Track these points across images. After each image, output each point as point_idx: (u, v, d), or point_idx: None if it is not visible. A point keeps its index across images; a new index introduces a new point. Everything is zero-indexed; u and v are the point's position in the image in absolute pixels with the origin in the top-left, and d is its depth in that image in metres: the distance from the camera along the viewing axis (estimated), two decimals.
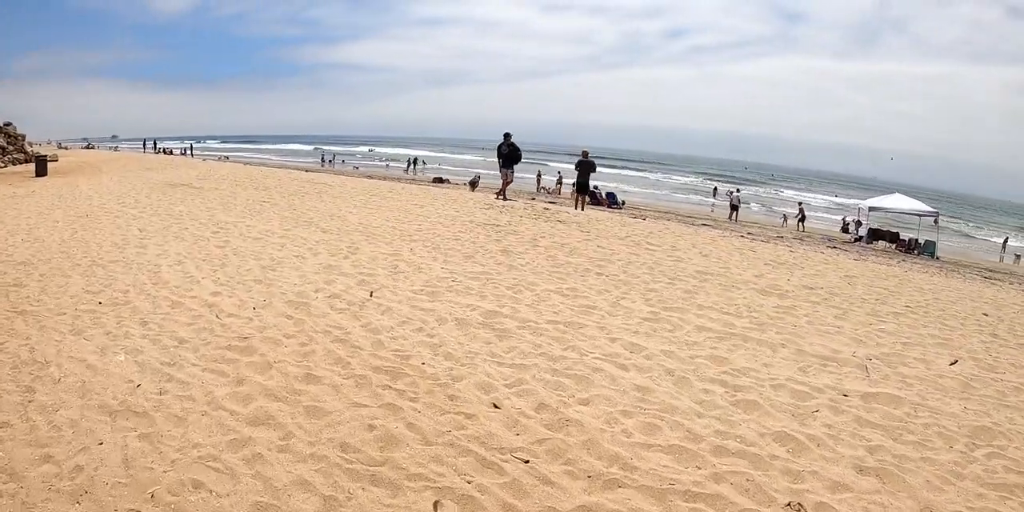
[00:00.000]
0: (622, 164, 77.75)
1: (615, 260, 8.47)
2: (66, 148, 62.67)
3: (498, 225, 10.70)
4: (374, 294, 5.86)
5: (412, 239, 8.81)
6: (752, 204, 41.11)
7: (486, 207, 13.29)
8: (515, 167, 16.11)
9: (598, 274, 7.58)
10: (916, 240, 23.77)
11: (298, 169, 32.53)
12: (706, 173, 77.57)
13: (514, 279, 6.84)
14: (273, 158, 61.61)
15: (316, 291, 5.88)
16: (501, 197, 16.04)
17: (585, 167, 16.65)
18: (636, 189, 43.11)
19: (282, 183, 17.37)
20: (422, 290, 6.12)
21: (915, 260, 19.21)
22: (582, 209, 16.32)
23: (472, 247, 8.51)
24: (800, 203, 32.00)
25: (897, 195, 25.06)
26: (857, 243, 23.43)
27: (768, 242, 16.30)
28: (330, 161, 57.78)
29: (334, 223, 9.87)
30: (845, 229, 30.81)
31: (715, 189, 48.43)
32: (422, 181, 31.01)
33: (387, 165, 56.70)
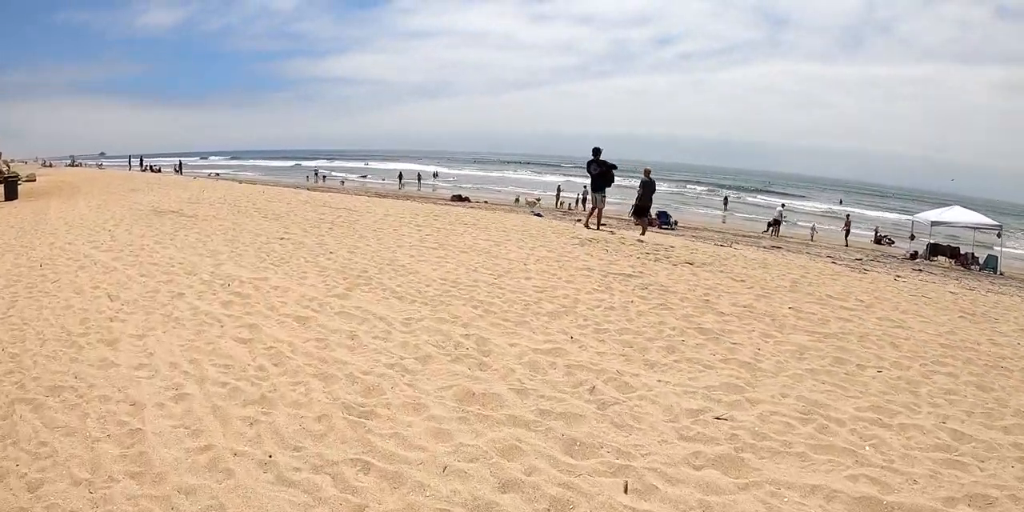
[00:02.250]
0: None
1: (841, 335, 5.51)
2: (51, 166, 58.54)
3: (629, 274, 7.43)
4: (629, 487, 2.56)
5: (546, 311, 5.47)
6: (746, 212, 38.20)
7: (576, 242, 10.00)
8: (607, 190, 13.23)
9: (859, 367, 4.64)
10: (973, 254, 21.31)
11: (296, 187, 28.92)
12: (698, 181, 74.54)
13: (784, 395, 3.92)
14: (262, 176, 57.67)
15: (503, 488, 2.54)
16: (594, 226, 13.18)
17: (648, 188, 13.56)
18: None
19: (294, 209, 13.91)
20: (698, 453, 2.94)
21: (1002, 282, 16.28)
22: (643, 234, 13.20)
23: (646, 323, 5.27)
24: (848, 215, 29.22)
25: (957, 208, 22.42)
26: (915, 259, 20.70)
27: (866, 270, 13.26)
28: (324, 177, 54.09)
29: (406, 280, 6.48)
30: (879, 240, 28.39)
31: (726, 199, 45.77)
32: (438, 199, 27.60)
33: (383, 179, 53.00)
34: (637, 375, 4.11)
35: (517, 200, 30.40)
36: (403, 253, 8.09)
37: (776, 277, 8.50)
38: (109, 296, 5.94)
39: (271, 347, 4.24)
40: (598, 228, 13.05)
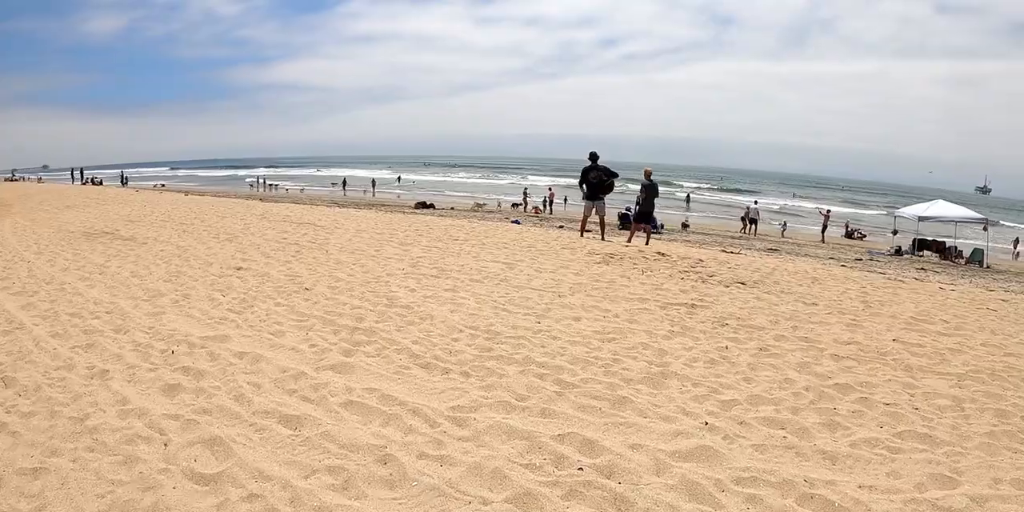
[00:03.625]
0: (562, 173, 73.83)
1: (972, 375, 4.39)
2: None
3: (691, 304, 5.92)
4: None
5: (637, 375, 3.85)
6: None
7: (597, 260, 8.44)
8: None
9: None
10: (956, 248, 21.03)
11: (249, 198, 26.42)
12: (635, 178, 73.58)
13: (997, 481, 2.82)
14: (201, 187, 54.14)
15: None
16: (590, 234, 11.98)
17: (651, 192, 12.22)
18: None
19: (250, 226, 11.90)
20: None
21: (1003, 277, 15.64)
22: (646, 243, 11.88)
23: (770, 383, 3.94)
24: (828, 211, 28.71)
25: (941, 202, 21.97)
26: (898, 255, 20.15)
27: (883, 273, 12.27)
28: (274, 186, 50.99)
29: (421, 331, 4.74)
30: (850, 234, 28.16)
31: (688, 197, 45.26)
32: (403, 206, 25.57)
33: (330, 185, 50.08)
34: (831, 483, 2.65)
35: (480, 205, 28.90)
36: (400, 285, 6.33)
37: (839, 295, 7.21)
38: (2, 379, 4.00)
39: (254, 495, 2.46)
40: (602, 238, 11.64)
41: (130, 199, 21.14)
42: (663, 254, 9.56)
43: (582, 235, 11.96)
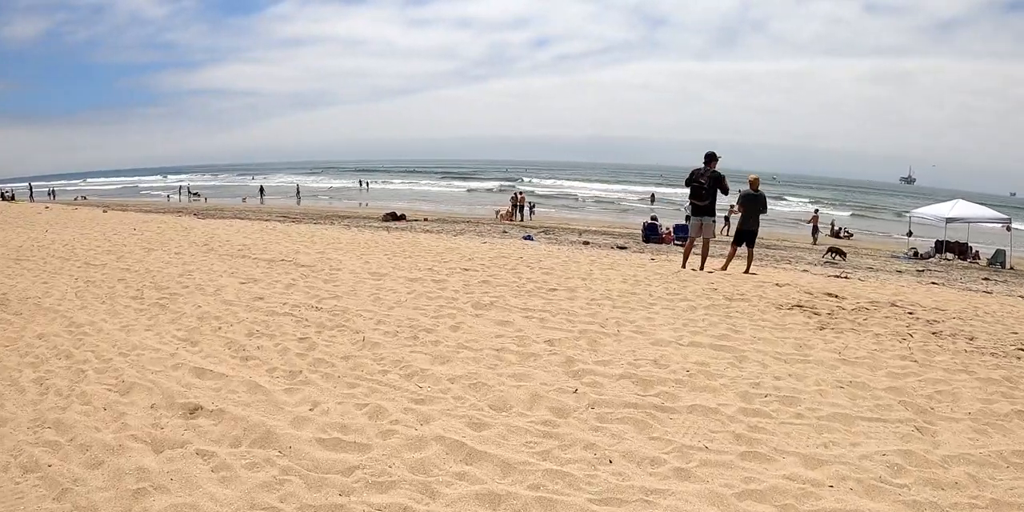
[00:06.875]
0: (503, 175, 70.69)
1: None
2: None
3: None
4: None
5: None
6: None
7: (803, 321, 4.90)
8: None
9: None
10: (972, 248, 19.22)
11: (179, 213, 21.17)
12: (587, 179, 70.33)
13: None
14: (130, 199, 46.93)
15: None
16: (695, 262, 8.52)
17: (754, 205, 8.78)
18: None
19: (192, 270, 7.55)
20: None
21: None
22: (746, 270, 8.55)
23: None
24: (816, 211, 26.47)
25: (962, 203, 20.05)
26: (921, 259, 18.07)
27: (973, 290, 9.54)
28: (196, 195, 44.79)
29: None
30: (836, 234, 26.42)
31: (652, 196, 42.93)
32: (367, 217, 21.10)
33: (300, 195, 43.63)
34: None
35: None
36: (644, 472, 2.48)
37: None
38: None
39: None
40: (701, 267, 8.23)
41: (35, 218, 16.06)
42: (835, 295, 6.21)
43: (684, 264, 8.45)
